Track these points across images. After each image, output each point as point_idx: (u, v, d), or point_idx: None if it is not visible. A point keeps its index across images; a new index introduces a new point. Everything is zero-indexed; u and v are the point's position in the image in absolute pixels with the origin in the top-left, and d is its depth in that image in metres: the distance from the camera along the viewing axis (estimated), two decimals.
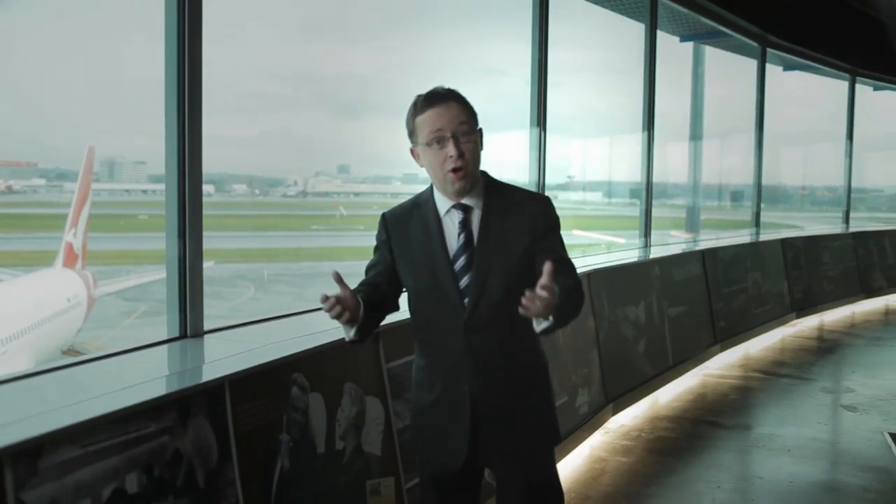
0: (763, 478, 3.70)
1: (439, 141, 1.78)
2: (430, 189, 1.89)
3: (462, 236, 1.83)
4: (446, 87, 1.82)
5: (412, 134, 1.84)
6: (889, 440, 4.18)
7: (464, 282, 1.82)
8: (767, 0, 7.33)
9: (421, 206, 1.89)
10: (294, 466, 2.10)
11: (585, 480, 3.62)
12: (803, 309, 7.50)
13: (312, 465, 2.19)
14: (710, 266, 5.94)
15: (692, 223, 8.36)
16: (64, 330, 19.48)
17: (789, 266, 7.42)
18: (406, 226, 1.89)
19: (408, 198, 1.94)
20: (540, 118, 4.69)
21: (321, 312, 2.84)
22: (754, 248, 7.06)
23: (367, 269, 1.94)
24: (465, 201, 1.83)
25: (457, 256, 1.83)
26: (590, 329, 4.21)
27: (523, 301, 1.57)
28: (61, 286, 19.86)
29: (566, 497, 2.07)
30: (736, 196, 11.38)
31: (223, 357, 2.13)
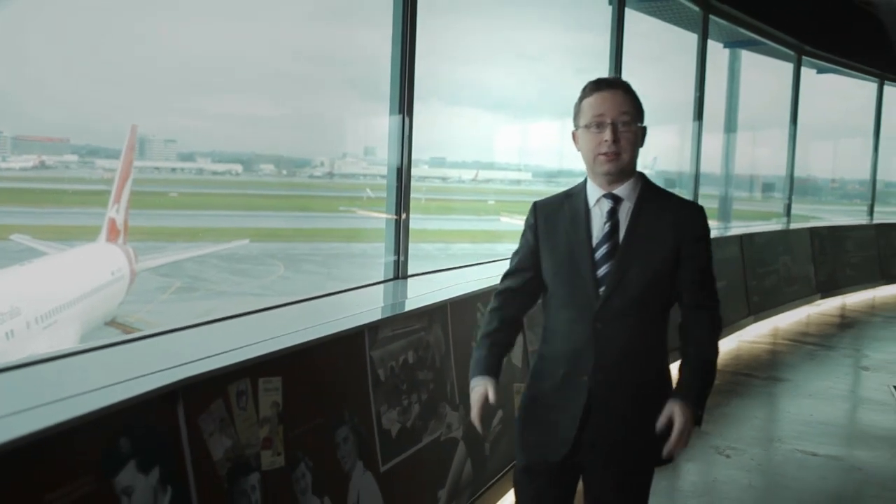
0: (790, 412, 4.69)
1: (599, 125, 1.80)
2: (584, 181, 1.91)
3: (608, 225, 1.84)
4: (619, 77, 2.03)
5: (576, 116, 1.87)
6: (892, 391, 5.16)
7: (602, 270, 1.82)
8: (803, 14, 8.20)
9: (572, 197, 1.92)
10: None
11: None
12: (827, 291, 8.44)
13: None
14: (746, 249, 6.89)
15: (724, 213, 8.77)
16: (108, 302, 20.23)
17: (816, 252, 8.34)
18: (555, 213, 1.92)
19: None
20: None
21: (482, 265, 3.86)
22: (785, 234, 8.02)
23: (512, 257, 2.03)
24: (616, 192, 1.84)
25: (599, 244, 1.83)
26: None
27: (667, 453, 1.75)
28: (105, 260, 20.81)
29: None
30: (767, 187, 12.03)
31: (429, 291, 3.15)
